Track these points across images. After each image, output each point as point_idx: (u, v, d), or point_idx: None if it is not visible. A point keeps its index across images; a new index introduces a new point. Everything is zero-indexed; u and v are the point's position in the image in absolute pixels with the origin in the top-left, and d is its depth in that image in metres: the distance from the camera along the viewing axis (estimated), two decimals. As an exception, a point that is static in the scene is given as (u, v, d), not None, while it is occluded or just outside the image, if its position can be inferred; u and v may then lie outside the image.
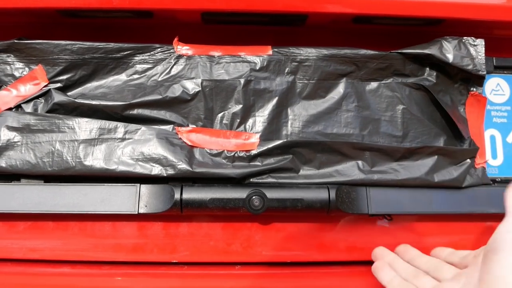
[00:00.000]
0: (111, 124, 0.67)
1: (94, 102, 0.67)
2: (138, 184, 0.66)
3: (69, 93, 0.69)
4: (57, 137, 0.66)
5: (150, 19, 0.71)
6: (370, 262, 0.71)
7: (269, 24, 0.73)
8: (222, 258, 0.71)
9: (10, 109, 0.68)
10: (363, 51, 0.69)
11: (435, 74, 0.72)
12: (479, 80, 0.72)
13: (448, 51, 0.69)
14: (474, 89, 0.72)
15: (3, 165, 0.65)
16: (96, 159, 0.66)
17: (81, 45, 0.68)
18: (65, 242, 0.70)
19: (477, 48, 0.70)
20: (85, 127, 0.67)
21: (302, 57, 0.69)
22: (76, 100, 0.67)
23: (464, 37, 0.70)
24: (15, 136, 0.66)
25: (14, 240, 0.70)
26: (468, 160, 0.71)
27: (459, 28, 0.71)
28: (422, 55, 0.70)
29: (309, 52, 0.69)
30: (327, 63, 0.70)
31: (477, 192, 0.71)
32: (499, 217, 0.72)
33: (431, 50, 0.69)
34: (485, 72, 0.69)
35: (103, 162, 0.66)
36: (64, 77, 0.69)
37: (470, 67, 0.69)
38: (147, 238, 0.70)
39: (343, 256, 0.72)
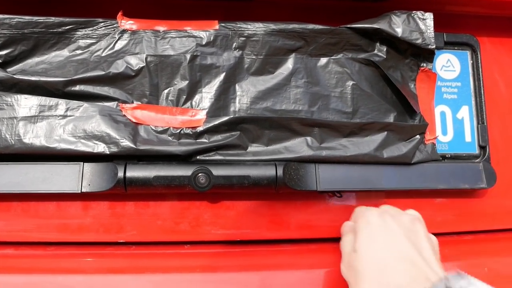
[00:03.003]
0: (52, 100, 0.65)
1: (34, 78, 0.65)
2: (81, 163, 0.64)
3: (8, 69, 0.67)
4: (-5, 115, 0.64)
5: (94, -7, 0.69)
6: (320, 240, 0.71)
7: (216, -2, 0.72)
8: (171, 237, 0.70)
9: None
10: (311, 26, 0.68)
11: (385, 49, 0.71)
12: (429, 56, 0.71)
13: (397, 25, 0.68)
14: (425, 65, 0.72)
15: None
16: (36, 136, 0.64)
17: (20, 19, 0.65)
18: (7, 223, 0.68)
19: (426, 22, 0.69)
20: (25, 104, 0.64)
21: (250, 32, 0.68)
22: (15, 76, 0.65)
23: (413, 11, 0.69)
24: (-50, 114, 0.63)
25: (-48, 222, 0.68)
26: (418, 136, 0.71)
27: (410, 4, 0.71)
28: (371, 30, 0.69)
29: (257, 27, 0.68)
30: (275, 38, 0.68)
31: (426, 168, 0.71)
32: (448, 193, 0.73)
33: (380, 25, 0.68)
34: (434, 46, 0.69)
35: (44, 140, 0.64)
36: (3, 52, 0.66)
37: (419, 41, 0.69)
38: (92, 218, 0.69)
39: (293, 234, 0.71)
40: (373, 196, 0.73)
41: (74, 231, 0.69)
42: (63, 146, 0.63)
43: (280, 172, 0.65)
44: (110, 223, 0.69)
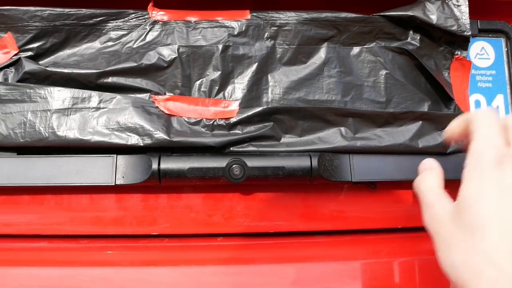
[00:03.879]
0: (85, 93, 0.64)
1: (66, 71, 0.65)
2: (115, 155, 0.64)
3: (40, 62, 0.67)
4: (29, 107, 0.64)
5: (124, -16, 0.68)
6: (354, 231, 0.70)
7: (248, -13, 0.71)
8: (204, 229, 0.69)
9: (-21, 79, 0.65)
10: (344, 14, 0.67)
11: (419, 37, 0.70)
12: (463, 43, 0.70)
13: (432, 12, 0.67)
14: (459, 53, 0.71)
15: (-26, 137, 0.63)
16: (70, 129, 0.63)
17: (51, 11, 0.65)
18: (41, 216, 0.68)
19: (461, 8, 0.68)
20: (58, 96, 0.64)
21: (282, 21, 0.67)
22: (47, 69, 0.65)
23: (448, -2, 0.68)
24: (-16, 107, 0.63)
25: (-12, 215, 0.68)
26: (453, 125, 0.69)
27: (443, -11, 0.69)
28: (405, 17, 0.68)
29: (289, 16, 0.67)
30: (307, 27, 0.67)
31: (461, 158, 0.69)
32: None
33: (414, 12, 0.67)
34: (470, 33, 0.68)
35: (78, 132, 0.63)
36: (35, 45, 0.66)
37: (454, 28, 0.67)
38: (126, 211, 0.69)
39: (327, 225, 0.71)
40: (408, 186, 0.72)
41: (107, 224, 0.69)
42: (97, 138, 0.63)
43: (314, 163, 0.64)
44: (144, 216, 0.69)
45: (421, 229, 0.69)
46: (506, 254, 0.38)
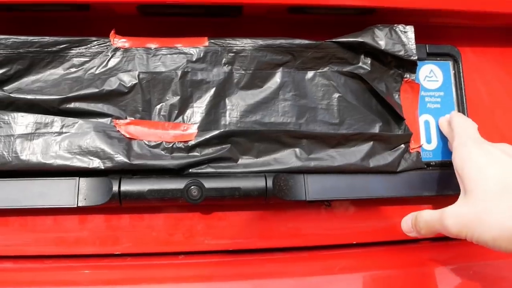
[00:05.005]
0: (48, 118, 0.67)
1: (30, 97, 0.67)
2: (77, 178, 0.66)
3: (5, 88, 0.69)
4: (-7, 133, 0.66)
5: (86, 12, 0.71)
6: (310, 248, 0.73)
7: (206, 15, 0.74)
8: (165, 248, 0.72)
9: None
10: (298, 41, 0.71)
11: (369, 62, 0.73)
12: (412, 67, 0.74)
13: (380, 38, 0.71)
14: (408, 76, 0.75)
15: None
16: (33, 153, 0.66)
17: (15, 39, 0.67)
18: (6, 237, 0.70)
19: (408, 34, 0.72)
20: (21, 121, 0.66)
21: (238, 47, 0.70)
22: (11, 95, 0.67)
23: (395, 25, 0.72)
24: (-51, 133, 0.65)
25: (-48, 238, 0.70)
26: (403, 145, 0.73)
27: (392, 17, 0.73)
28: (355, 43, 0.71)
29: (245, 43, 0.70)
30: (263, 53, 0.71)
31: (411, 176, 0.73)
32: (433, 200, 0.75)
33: (364, 38, 0.71)
34: (416, 58, 0.72)
35: (41, 156, 0.66)
36: (-1, 71, 0.68)
37: (401, 53, 0.71)
38: (89, 231, 0.71)
39: (284, 242, 0.74)
40: (361, 204, 0.75)
41: (71, 244, 0.71)
42: (59, 162, 0.65)
43: (270, 183, 0.67)
44: (106, 236, 0.71)
45: (373, 244, 0.73)
46: None
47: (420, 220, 0.63)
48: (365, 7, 0.71)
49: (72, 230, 0.71)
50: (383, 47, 0.71)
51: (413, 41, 0.71)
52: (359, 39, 0.71)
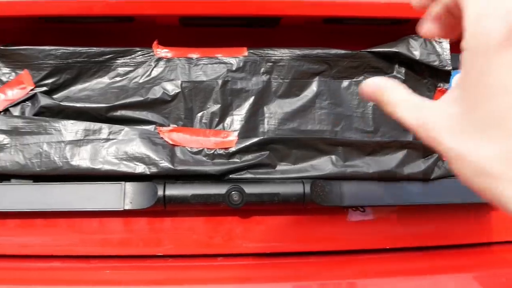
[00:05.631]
0: (96, 125, 0.70)
1: (78, 105, 0.70)
2: (123, 182, 0.69)
3: (54, 96, 0.72)
4: (45, 139, 0.69)
5: (130, 23, 0.74)
6: (346, 252, 0.75)
7: (245, 26, 0.76)
8: (205, 250, 0.74)
9: (-2, 112, 0.71)
10: (334, 51, 0.73)
11: (403, 71, 0.75)
12: (445, 76, 0.75)
13: (415, 48, 0.73)
14: (441, 85, 0.76)
15: (-6, 166, 0.68)
16: (82, 159, 0.69)
17: (64, 50, 0.71)
18: (54, 238, 0.74)
19: (442, 45, 0.73)
20: (71, 129, 0.70)
21: (277, 57, 0.73)
22: (61, 103, 0.70)
23: (430, 36, 0.73)
24: (4, 139, 0.69)
25: (5, 237, 0.73)
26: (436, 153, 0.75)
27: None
28: (390, 53, 0.73)
29: (283, 53, 0.73)
30: (300, 63, 0.73)
31: (445, 183, 0.74)
32: (465, 207, 0.77)
33: (399, 48, 0.73)
34: (450, 68, 0.73)
35: (89, 162, 0.69)
36: (50, 81, 0.72)
37: (436, 63, 0.73)
38: (133, 233, 0.74)
39: (319, 246, 0.76)
40: (394, 210, 0.77)
41: (115, 245, 0.74)
42: (107, 167, 0.69)
43: (307, 189, 0.69)
44: (149, 238, 0.74)
45: (406, 249, 0.75)
46: None
47: (388, 106, 0.35)
48: (400, 18, 0.72)
49: (116, 232, 0.74)
50: (417, 57, 0.72)
51: (448, 51, 0.73)
52: (394, 49, 0.73)
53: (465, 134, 0.29)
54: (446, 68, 0.73)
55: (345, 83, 0.75)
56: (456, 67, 0.77)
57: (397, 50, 0.73)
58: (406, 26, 0.76)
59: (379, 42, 0.75)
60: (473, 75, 0.29)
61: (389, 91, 0.34)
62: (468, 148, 0.28)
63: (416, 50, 0.73)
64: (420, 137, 0.32)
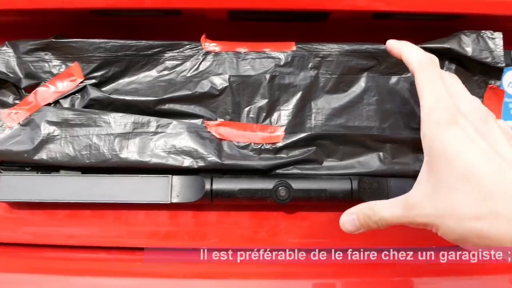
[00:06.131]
0: (144, 118, 0.71)
1: (127, 98, 0.71)
2: (170, 176, 0.70)
3: (103, 89, 0.73)
4: (94, 131, 0.70)
5: (178, 17, 0.74)
6: (388, 249, 0.75)
7: (293, 20, 0.76)
8: (249, 245, 0.74)
9: (49, 104, 0.72)
10: (383, 46, 0.71)
11: (454, 67, 0.74)
12: (497, 73, 0.74)
13: (467, 44, 0.71)
14: (493, 82, 0.74)
15: (44, 157, 0.69)
16: (131, 152, 0.70)
17: (114, 43, 0.71)
18: (101, 229, 0.75)
19: (495, 41, 0.72)
20: (120, 121, 0.70)
21: (325, 52, 0.72)
22: (111, 96, 0.71)
23: (482, 31, 0.72)
24: (54, 130, 0.70)
25: (54, 228, 0.75)
26: (486, 151, 0.73)
27: (477, 22, 0.73)
28: (441, 49, 0.72)
29: (331, 48, 0.72)
30: (349, 58, 0.72)
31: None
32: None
33: (450, 44, 0.71)
34: (504, 64, 0.71)
35: (138, 155, 0.69)
36: (99, 73, 0.72)
37: (488, 59, 0.71)
38: (178, 226, 0.74)
39: (366, 243, 0.75)
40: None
41: (161, 238, 0.74)
42: (155, 160, 0.69)
43: (355, 186, 0.69)
44: (194, 231, 0.74)
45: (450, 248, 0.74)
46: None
47: (376, 220, 0.55)
48: (452, 14, 0.71)
49: (163, 225, 0.74)
50: (469, 54, 0.71)
51: (501, 47, 0.71)
52: (446, 45, 0.71)
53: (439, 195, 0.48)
54: (499, 65, 0.71)
55: (394, 79, 0.74)
56: (509, 64, 0.75)
57: (448, 46, 0.71)
58: (456, 22, 0.74)
59: (428, 38, 0.73)
60: (436, 148, 0.49)
61: (374, 215, 0.55)
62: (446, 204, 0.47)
63: (468, 47, 0.71)
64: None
